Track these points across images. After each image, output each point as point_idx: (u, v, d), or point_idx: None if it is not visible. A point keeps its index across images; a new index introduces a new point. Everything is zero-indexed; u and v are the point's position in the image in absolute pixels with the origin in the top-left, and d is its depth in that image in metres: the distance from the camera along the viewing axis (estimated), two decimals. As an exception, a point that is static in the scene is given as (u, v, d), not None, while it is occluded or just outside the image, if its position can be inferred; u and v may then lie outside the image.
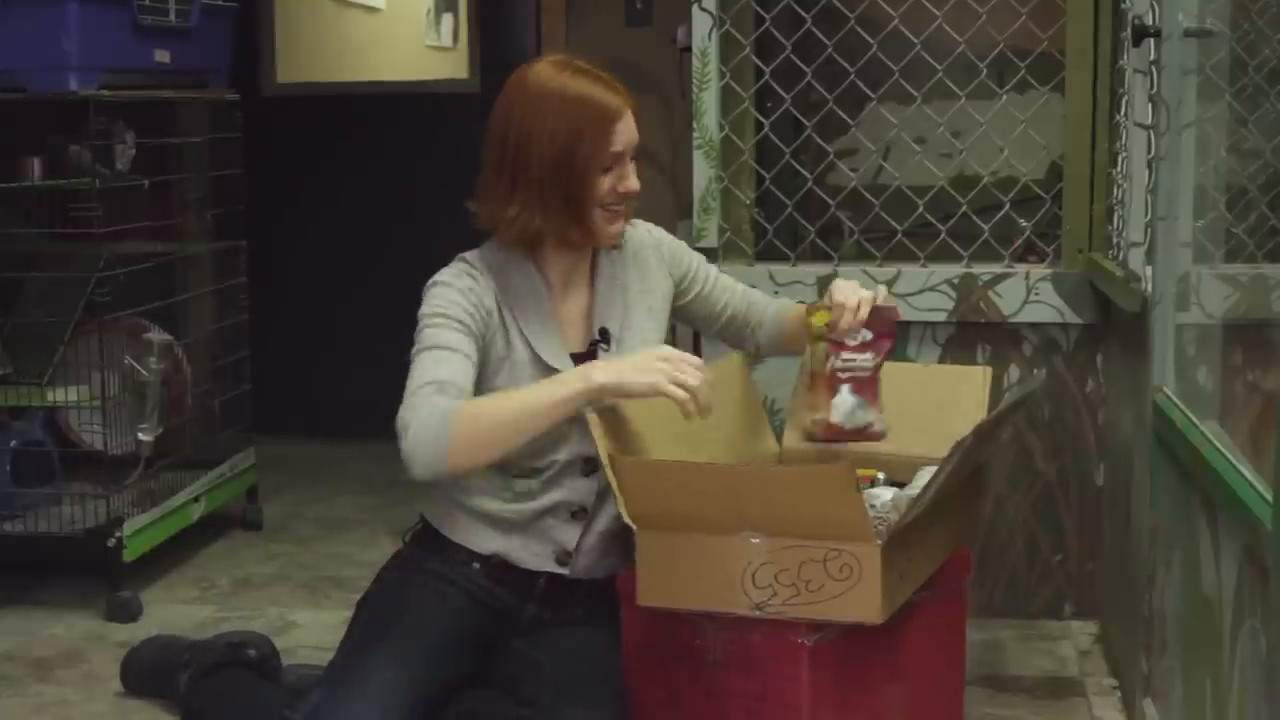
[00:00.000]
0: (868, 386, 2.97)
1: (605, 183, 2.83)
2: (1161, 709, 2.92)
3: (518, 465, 2.84)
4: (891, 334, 2.97)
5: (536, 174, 2.81)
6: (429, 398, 2.68)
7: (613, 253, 2.98)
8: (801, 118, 4.03)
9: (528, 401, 2.70)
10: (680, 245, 3.09)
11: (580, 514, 2.88)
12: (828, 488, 2.52)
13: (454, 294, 2.82)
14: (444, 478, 2.77)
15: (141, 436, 4.36)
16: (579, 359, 2.88)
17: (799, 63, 3.93)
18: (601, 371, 2.70)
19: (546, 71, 2.85)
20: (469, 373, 2.78)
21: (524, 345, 2.86)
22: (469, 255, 2.92)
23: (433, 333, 2.79)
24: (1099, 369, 3.84)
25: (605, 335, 2.92)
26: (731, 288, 3.14)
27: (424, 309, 2.82)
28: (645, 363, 2.70)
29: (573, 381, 2.70)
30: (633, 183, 2.85)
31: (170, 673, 3.36)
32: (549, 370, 2.85)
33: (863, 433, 2.99)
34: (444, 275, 2.87)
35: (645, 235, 3.04)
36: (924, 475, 2.80)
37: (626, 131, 2.83)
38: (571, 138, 2.79)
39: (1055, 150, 3.99)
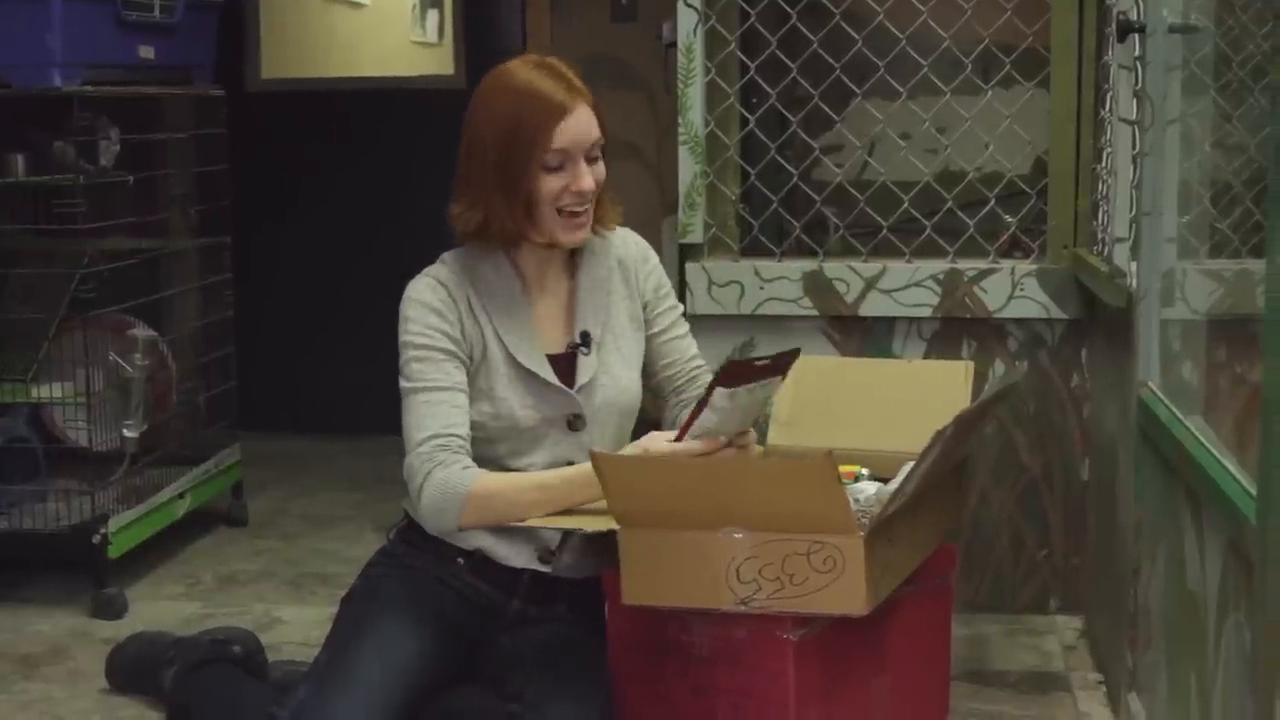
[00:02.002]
0: None
1: (553, 181, 2.79)
2: (1146, 703, 2.92)
3: (497, 465, 2.85)
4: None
5: (480, 166, 2.82)
6: (435, 456, 2.77)
7: (595, 251, 2.97)
8: (787, 113, 4.03)
9: (541, 499, 2.79)
10: (663, 277, 3.06)
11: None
12: (809, 480, 2.52)
13: (430, 316, 2.84)
14: None
15: (126, 433, 4.35)
16: (556, 361, 2.88)
17: (784, 58, 3.93)
18: None
19: (512, 67, 2.86)
20: (463, 404, 2.83)
21: (499, 346, 2.86)
22: (446, 256, 2.93)
23: (418, 368, 2.83)
24: (1084, 364, 3.85)
25: (585, 339, 2.92)
26: (686, 353, 3.07)
27: (404, 334, 2.85)
28: None
29: (586, 490, 2.74)
30: (585, 182, 2.81)
31: (155, 669, 3.35)
32: (525, 373, 2.85)
33: None
34: (417, 290, 2.88)
35: (635, 248, 3.03)
36: (908, 470, 2.80)
37: (574, 129, 2.79)
38: (511, 130, 2.78)
39: (1040, 146, 3.99)
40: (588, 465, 2.73)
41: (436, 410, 2.80)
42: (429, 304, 2.85)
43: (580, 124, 2.79)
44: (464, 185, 2.86)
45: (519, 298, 2.90)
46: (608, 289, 2.96)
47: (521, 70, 2.83)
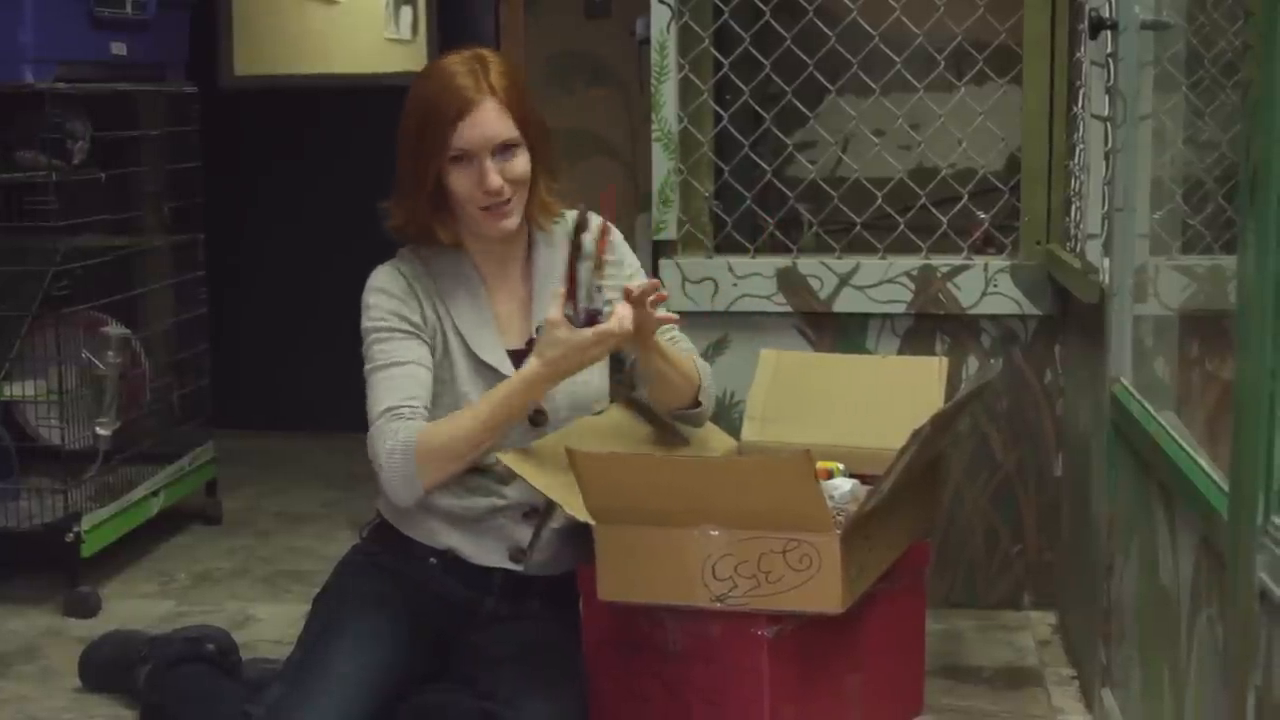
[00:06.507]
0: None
1: (462, 178, 2.80)
2: (1120, 698, 2.93)
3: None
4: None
5: (401, 162, 2.86)
6: (387, 427, 2.76)
7: (552, 244, 2.96)
8: (760, 110, 4.03)
9: (481, 425, 2.75)
10: (628, 252, 3.04)
11: (532, 514, 2.88)
12: (786, 478, 2.53)
13: (391, 301, 2.85)
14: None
15: (99, 431, 4.33)
16: (516, 356, 2.88)
17: (758, 55, 3.93)
18: (545, 382, 2.73)
19: (441, 60, 2.88)
20: (422, 379, 2.83)
21: (459, 340, 2.86)
22: (404, 251, 2.93)
23: (379, 349, 2.84)
24: (1057, 360, 3.86)
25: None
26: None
27: (365, 322, 2.86)
28: (577, 359, 2.72)
29: (521, 395, 2.74)
30: (490, 180, 2.79)
31: (129, 668, 3.34)
32: (485, 367, 2.85)
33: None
34: (378, 280, 2.89)
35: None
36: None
37: (472, 130, 2.78)
38: (420, 126, 2.81)
39: (1013, 142, 4.00)
40: (506, 381, 2.77)
41: (394, 384, 2.80)
42: (388, 290, 2.87)
43: (480, 124, 2.79)
44: (395, 179, 2.91)
45: (479, 293, 2.90)
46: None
47: (445, 64, 2.85)
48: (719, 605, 2.62)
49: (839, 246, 3.98)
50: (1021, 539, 3.93)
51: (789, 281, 3.88)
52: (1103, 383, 3.03)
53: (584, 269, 2.77)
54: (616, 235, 2.98)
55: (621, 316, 2.71)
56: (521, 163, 2.83)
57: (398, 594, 2.88)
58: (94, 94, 4.30)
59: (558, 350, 2.70)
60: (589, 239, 2.78)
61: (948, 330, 3.89)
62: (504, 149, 2.81)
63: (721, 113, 4.01)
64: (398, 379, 2.81)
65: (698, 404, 3.01)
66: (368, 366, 2.84)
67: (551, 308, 2.72)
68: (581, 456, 2.61)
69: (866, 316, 3.89)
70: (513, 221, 2.86)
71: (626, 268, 3.01)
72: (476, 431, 2.76)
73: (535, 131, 2.85)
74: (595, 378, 2.96)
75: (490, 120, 2.79)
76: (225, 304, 5.37)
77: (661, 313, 2.80)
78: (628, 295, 2.75)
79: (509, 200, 2.83)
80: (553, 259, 2.94)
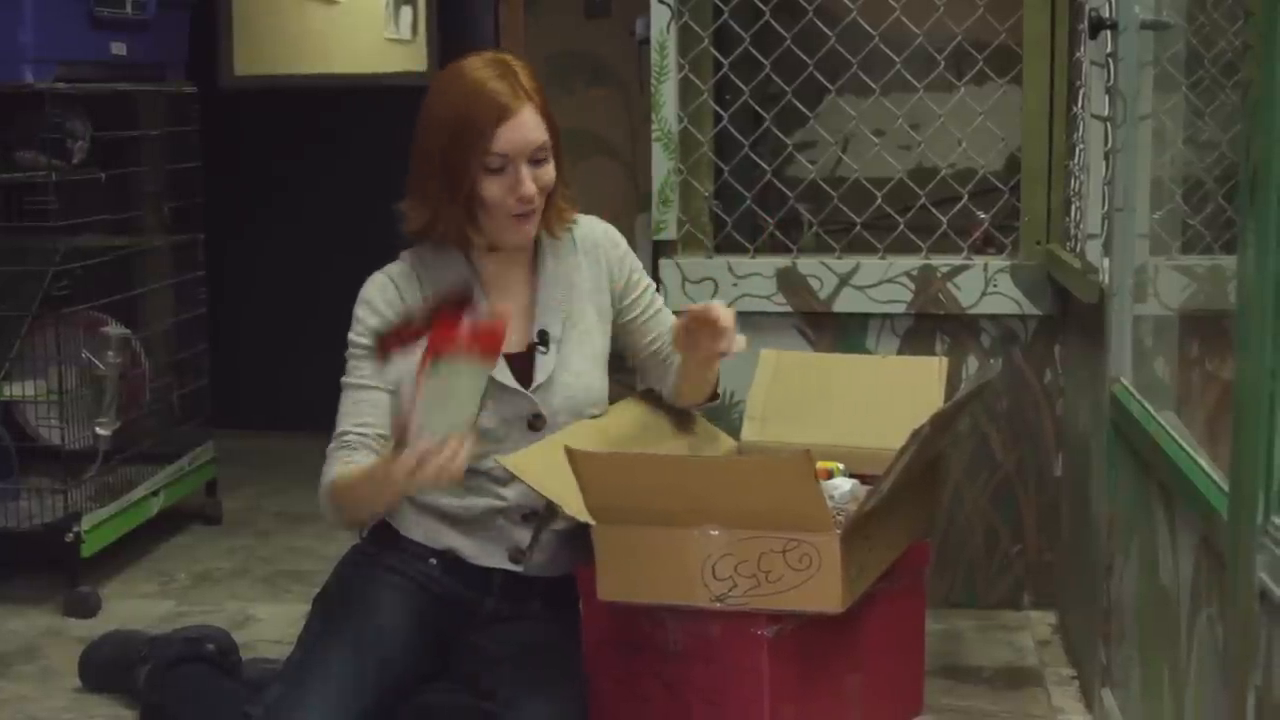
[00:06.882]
0: None
1: (495, 185, 2.76)
2: (1120, 698, 2.93)
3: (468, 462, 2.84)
4: None
5: (427, 164, 2.81)
6: (330, 458, 2.84)
7: (558, 247, 2.95)
8: (760, 110, 4.03)
9: (362, 496, 2.75)
10: (635, 260, 3.04)
11: (532, 516, 2.87)
12: (786, 478, 2.53)
13: (373, 317, 2.85)
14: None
15: (99, 431, 4.33)
16: (515, 360, 2.87)
17: (757, 55, 3.93)
18: (395, 497, 2.73)
19: (465, 64, 2.83)
20: (383, 404, 2.83)
21: (454, 345, 2.85)
22: (405, 254, 2.92)
23: (352, 365, 2.87)
24: (1057, 360, 3.86)
25: (544, 338, 2.90)
26: (667, 323, 3.04)
27: (350, 331, 2.88)
28: (411, 482, 2.54)
29: (387, 496, 2.70)
30: (527, 187, 2.76)
31: (129, 668, 3.34)
32: None
33: None
34: (367, 289, 2.89)
35: (602, 235, 3.01)
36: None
37: (515, 134, 2.75)
38: (456, 130, 2.76)
39: (1013, 142, 4.00)
40: (368, 465, 2.74)
41: (355, 408, 2.84)
42: (373, 304, 2.86)
43: (522, 129, 2.76)
44: (412, 181, 2.86)
45: (479, 302, 2.89)
46: (570, 284, 2.94)
47: (472, 69, 2.80)
48: (719, 605, 2.62)
49: (839, 246, 3.98)
50: (1021, 539, 3.93)
51: (789, 281, 3.88)
52: (1103, 383, 3.03)
53: None
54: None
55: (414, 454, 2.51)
56: (551, 170, 2.81)
57: (397, 594, 2.88)
58: (94, 94, 4.30)
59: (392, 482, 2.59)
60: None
61: (948, 330, 3.89)
62: (537, 156, 2.79)
63: (721, 113, 4.01)
64: (358, 403, 2.84)
65: (716, 396, 3.07)
66: (342, 379, 2.88)
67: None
68: (581, 456, 2.61)
69: (866, 316, 3.90)
70: (534, 228, 2.85)
71: (635, 272, 3.02)
72: (340, 508, 2.81)
73: (557, 138, 2.85)
74: (595, 381, 2.95)
75: (530, 126, 2.76)
76: (225, 304, 5.37)
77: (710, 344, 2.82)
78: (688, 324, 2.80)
79: (533, 208, 2.82)
80: (559, 266, 2.94)
